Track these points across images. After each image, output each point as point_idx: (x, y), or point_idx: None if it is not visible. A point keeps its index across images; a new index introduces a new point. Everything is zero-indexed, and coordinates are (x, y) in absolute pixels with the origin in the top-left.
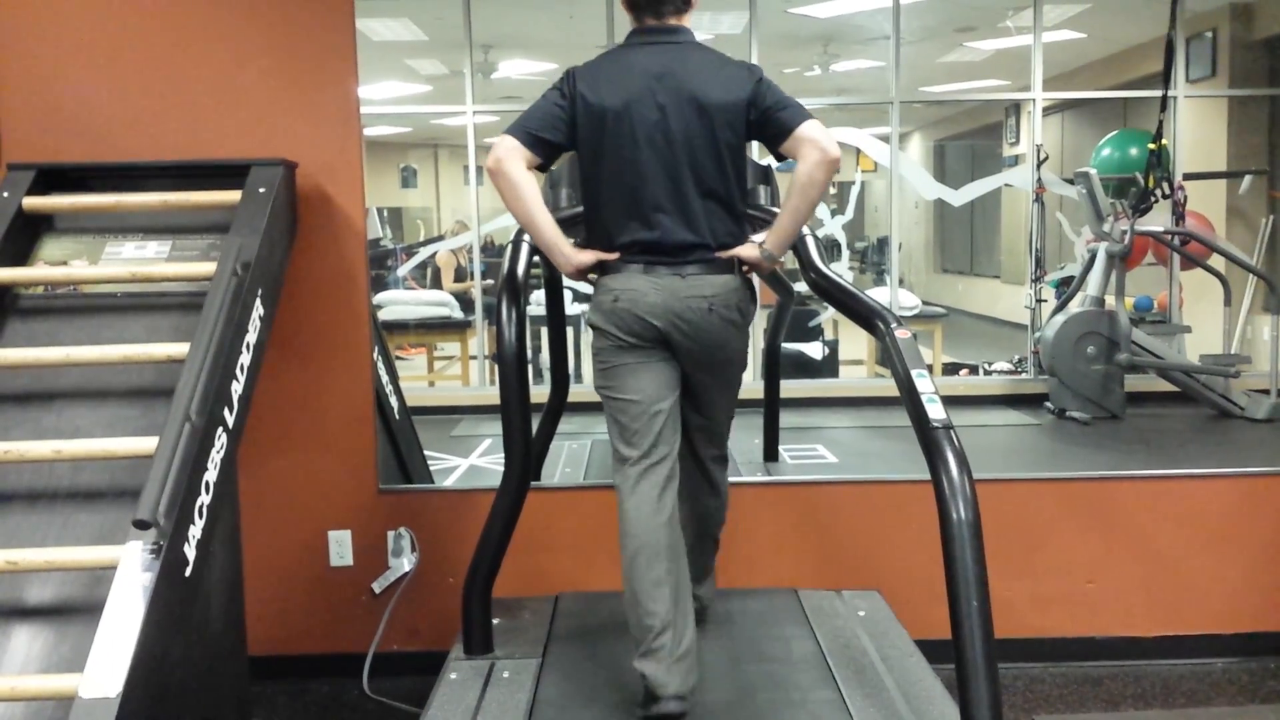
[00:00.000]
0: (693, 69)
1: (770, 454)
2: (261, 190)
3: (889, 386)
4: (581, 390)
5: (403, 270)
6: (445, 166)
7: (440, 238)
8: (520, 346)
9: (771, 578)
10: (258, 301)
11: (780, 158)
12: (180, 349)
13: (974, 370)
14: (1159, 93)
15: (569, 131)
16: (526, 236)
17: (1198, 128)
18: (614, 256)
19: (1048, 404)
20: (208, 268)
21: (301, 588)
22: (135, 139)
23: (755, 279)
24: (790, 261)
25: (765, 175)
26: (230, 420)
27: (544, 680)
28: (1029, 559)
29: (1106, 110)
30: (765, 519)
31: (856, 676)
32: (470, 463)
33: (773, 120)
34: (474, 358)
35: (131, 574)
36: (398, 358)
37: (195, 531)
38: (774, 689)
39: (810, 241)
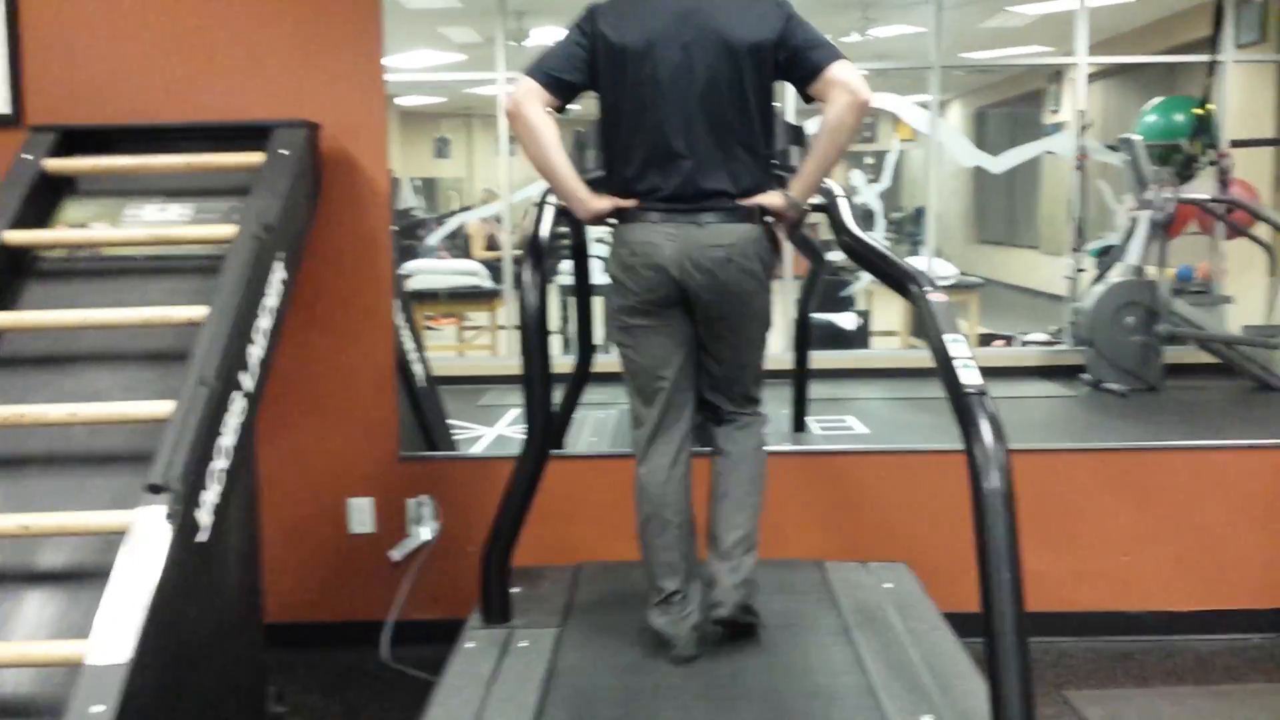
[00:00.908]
0: (719, 5)
1: (798, 424)
2: (284, 152)
3: (923, 358)
4: (609, 361)
5: (433, 239)
6: (479, 136)
7: (470, 208)
8: (542, 311)
9: (799, 549)
10: (279, 265)
11: (809, 99)
12: (199, 312)
13: (1009, 341)
14: (1206, 58)
15: (589, 72)
16: (551, 199)
17: (1245, 94)
18: (631, 203)
19: (1084, 375)
20: (228, 230)
21: (321, 555)
22: (158, 101)
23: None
24: (823, 232)
25: (797, 135)
26: (248, 385)
27: (562, 650)
28: (1063, 531)
29: (1151, 77)
30: (792, 490)
31: (882, 650)
32: (497, 432)
33: (802, 60)
34: (503, 327)
35: (143, 539)
36: (428, 328)
37: (210, 497)
38: (797, 662)
39: (842, 204)
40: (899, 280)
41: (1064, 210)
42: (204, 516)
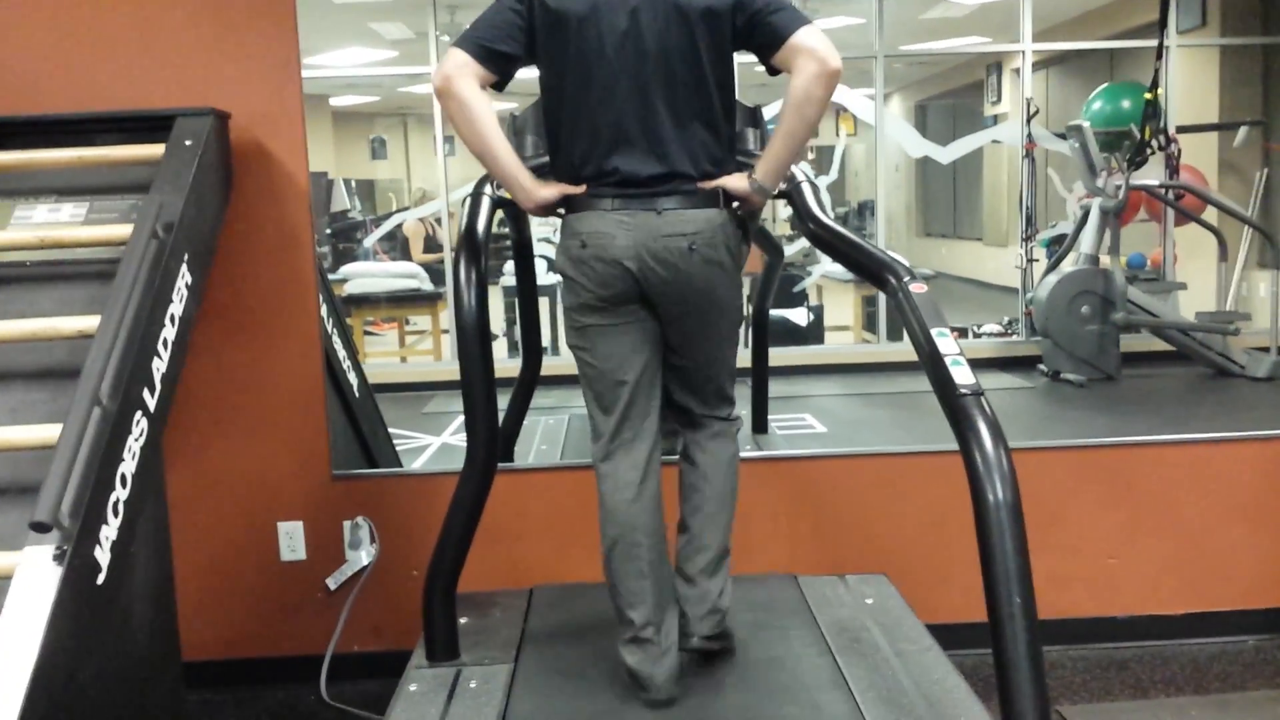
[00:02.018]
0: None
1: (759, 425)
2: (188, 143)
3: (876, 352)
4: (558, 363)
5: (369, 241)
6: (415, 136)
7: (408, 209)
8: (482, 311)
9: (767, 562)
10: (183, 268)
11: (773, 71)
12: (91, 323)
13: (963, 333)
14: (1151, 43)
15: (527, 42)
16: (488, 189)
17: (1189, 79)
18: (580, 190)
19: (1041, 366)
20: (125, 231)
21: (249, 585)
22: (49, 89)
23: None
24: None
25: (754, 117)
26: (151, 403)
27: (516, 690)
28: (1044, 534)
29: (1092, 65)
30: (758, 498)
31: (869, 676)
32: (442, 440)
33: (763, 26)
34: (446, 331)
35: (29, 584)
36: (368, 333)
37: (109, 532)
38: (775, 690)
39: (807, 189)
40: (875, 271)
41: (1006, 202)
42: (102, 555)
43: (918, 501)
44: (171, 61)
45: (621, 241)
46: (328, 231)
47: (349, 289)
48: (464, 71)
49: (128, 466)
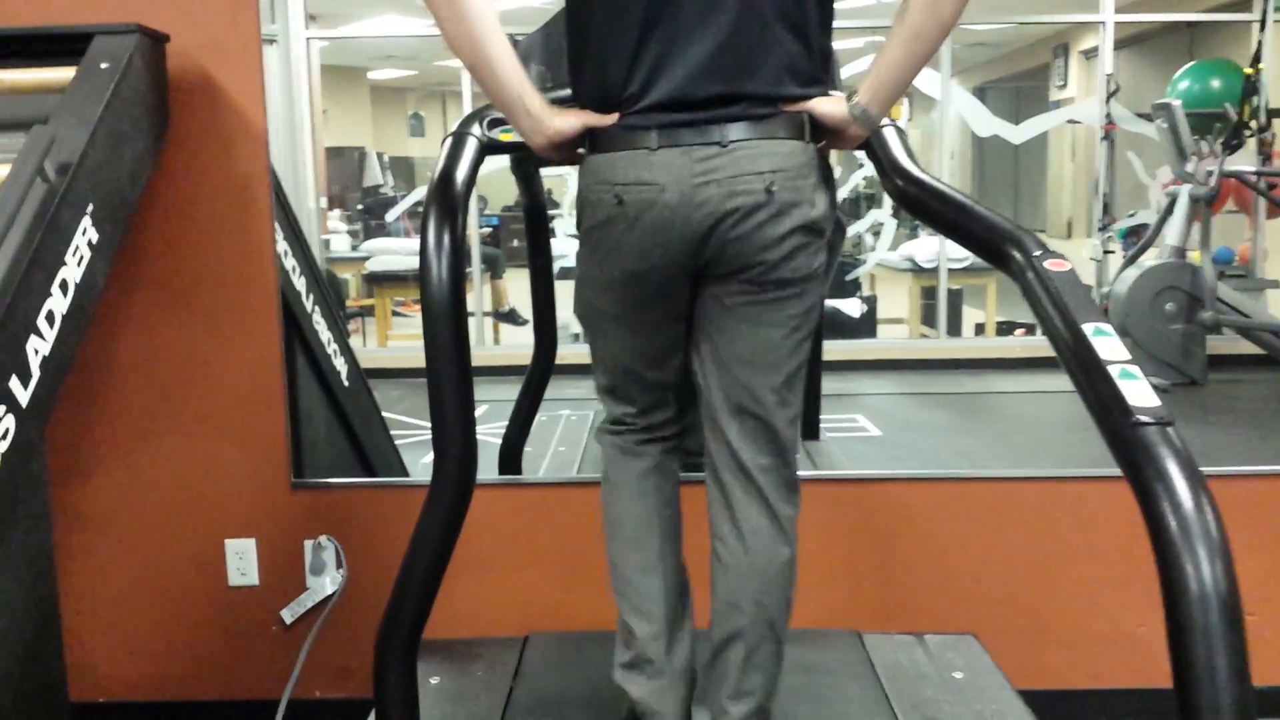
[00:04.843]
0: None
1: (810, 430)
2: (104, 66)
3: (934, 348)
4: (585, 350)
5: (391, 216)
6: (453, 113)
7: None
8: (455, 287)
9: (821, 611)
10: (85, 220)
11: None
12: None
13: (1030, 330)
14: (1240, 17)
15: None
16: (475, 129)
17: (1278, 59)
18: (610, 120)
19: None
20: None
21: (190, 615)
22: None
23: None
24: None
25: None
26: (23, 396)
27: None
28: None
29: (1170, 46)
30: (810, 527)
31: None
32: None
33: None
34: (471, 314)
35: None
36: (398, 314)
37: None
38: None
39: (893, 134)
40: (992, 243)
41: (1071, 191)
42: None
43: (1008, 537)
44: None
45: (669, 197)
46: (359, 207)
47: (371, 266)
48: None
49: None
